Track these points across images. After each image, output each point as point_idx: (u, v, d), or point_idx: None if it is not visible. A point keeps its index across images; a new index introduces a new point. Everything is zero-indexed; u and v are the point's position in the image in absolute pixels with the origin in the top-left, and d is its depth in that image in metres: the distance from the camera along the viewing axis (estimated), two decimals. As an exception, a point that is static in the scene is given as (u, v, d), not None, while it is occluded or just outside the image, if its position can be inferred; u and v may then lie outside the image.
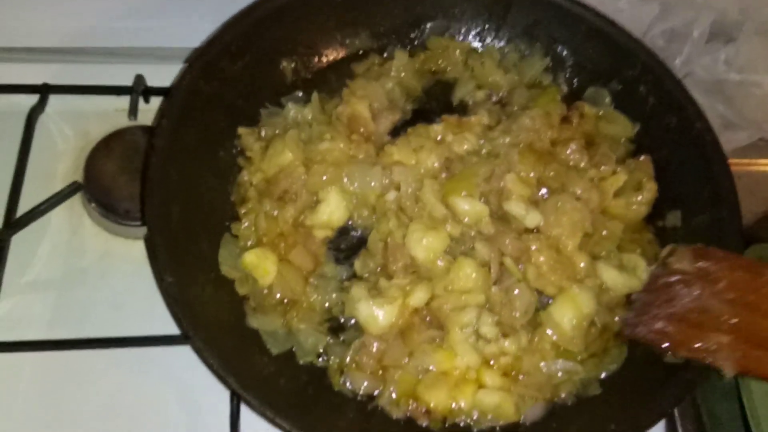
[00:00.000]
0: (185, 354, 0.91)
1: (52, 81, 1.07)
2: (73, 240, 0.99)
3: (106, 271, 0.97)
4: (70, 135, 1.06)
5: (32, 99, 1.06)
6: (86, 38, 1.12)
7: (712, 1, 1.16)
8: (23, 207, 0.97)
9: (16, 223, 0.93)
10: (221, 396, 0.88)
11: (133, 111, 1.01)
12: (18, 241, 0.96)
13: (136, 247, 0.99)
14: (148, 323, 0.93)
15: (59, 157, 1.04)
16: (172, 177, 0.85)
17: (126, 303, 0.95)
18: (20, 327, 0.92)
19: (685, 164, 0.96)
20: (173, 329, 0.91)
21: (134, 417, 0.89)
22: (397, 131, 1.00)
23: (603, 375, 0.88)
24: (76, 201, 1.00)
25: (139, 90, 1.04)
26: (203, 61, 0.91)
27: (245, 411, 0.86)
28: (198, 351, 0.76)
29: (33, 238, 0.98)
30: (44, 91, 1.05)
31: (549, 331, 0.88)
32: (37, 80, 1.06)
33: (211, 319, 0.81)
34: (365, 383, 0.86)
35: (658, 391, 0.82)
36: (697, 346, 0.79)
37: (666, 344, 0.81)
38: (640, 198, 0.96)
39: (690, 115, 0.96)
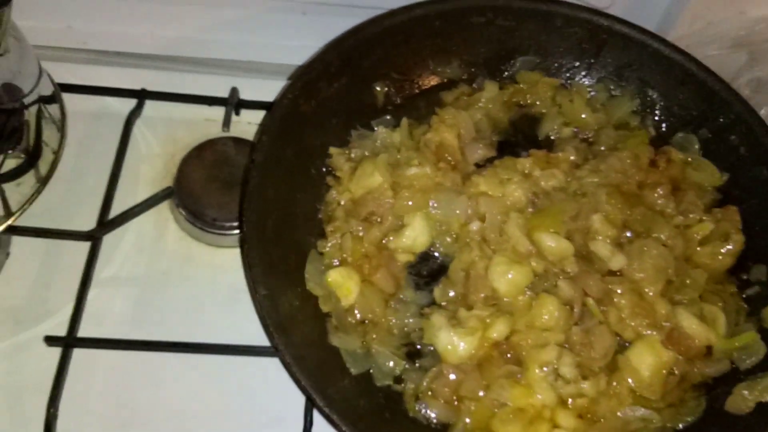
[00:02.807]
0: (259, 363, 0.92)
1: (147, 87, 1.10)
2: (158, 243, 1.01)
3: (187, 276, 0.99)
4: (158, 141, 1.09)
5: (125, 103, 1.09)
6: (183, 47, 1.15)
7: (803, 53, 1.15)
8: (113, 207, 1.00)
9: (110, 223, 0.96)
10: (295, 409, 0.89)
11: (226, 122, 1.03)
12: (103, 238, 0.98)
13: (218, 254, 1.01)
14: (223, 329, 0.95)
15: (148, 161, 1.07)
16: (268, 191, 0.87)
17: (203, 308, 0.97)
18: (100, 323, 0.94)
19: (774, 217, 0.95)
20: (250, 338, 0.93)
21: (205, 423, 0.90)
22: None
23: (680, 426, 0.87)
24: (163, 205, 1.03)
25: (234, 102, 1.06)
26: (304, 81, 0.93)
27: (317, 425, 0.87)
28: (288, 367, 0.77)
29: (117, 236, 1.00)
30: (142, 96, 1.08)
31: (627, 377, 0.87)
32: (133, 85, 1.10)
33: (297, 333, 0.82)
34: (440, 412, 0.86)
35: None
36: None
37: None
38: (725, 249, 0.95)
39: (783, 170, 0.95)
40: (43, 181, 0.94)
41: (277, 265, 0.86)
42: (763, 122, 0.99)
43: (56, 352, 0.89)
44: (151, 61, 1.15)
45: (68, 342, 0.88)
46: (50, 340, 0.89)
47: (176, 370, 0.92)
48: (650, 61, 1.03)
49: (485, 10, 1.03)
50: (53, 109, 0.99)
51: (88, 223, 0.98)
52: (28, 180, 0.93)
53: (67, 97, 1.04)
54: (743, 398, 0.85)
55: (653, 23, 1.13)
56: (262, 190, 0.87)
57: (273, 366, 0.91)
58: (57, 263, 0.96)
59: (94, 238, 0.95)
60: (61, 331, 0.90)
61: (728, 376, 0.88)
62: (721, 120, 1.00)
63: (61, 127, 0.98)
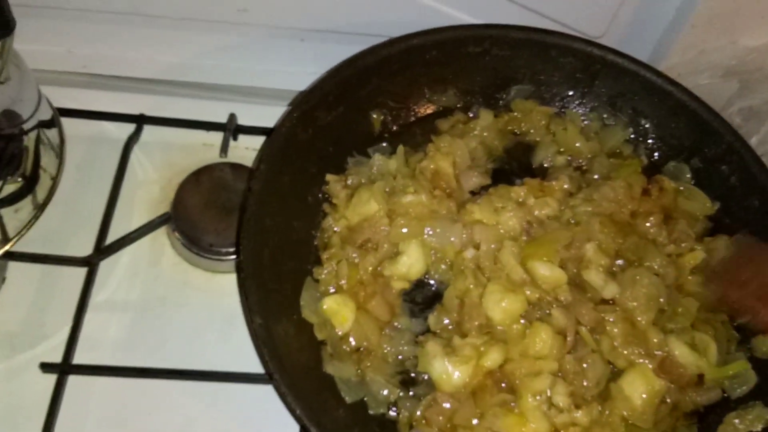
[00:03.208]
0: (255, 391, 0.93)
1: (146, 112, 1.11)
2: (154, 268, 1.02)
3: (183, 302, 1.00)
4: (155, 166, 1.10)
5: (123, 127, 1.10)
6: (182, 72, 1.16)
7: (793, 82, 1.17)
8: (110, 232, 1.00)
9: (107, 249, 0.97)
10: (289, 437, 0.89)
11: (224, 148, 1.04)
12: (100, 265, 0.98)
13: (215, 280, 1.02)
14: (219, 356, 0.95)
15: (146, 186, 1.08)
16: (266, 220, 0.88)
17: (199, 334, 0.97)
18: (95, 348, 0.94)
19: (765, 248, 0.96)
20: (247, 366, 0.93)
21: (201, 450, 0.90)
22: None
23: (671, 455, 0.87)
24: (160, 230, 1.03)
25: (232, 128, 1.07)
26: (302, 109, 0.94)
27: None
28: (282, 395, 0.77)
29: (113, 261, 1.00)
30: (141, 121, 1.09)
31: (619, 405, 0.88)
32: (132, 110, 1.11)
33: (292, 361, 0.83)
34: (434, 440, 0.86)
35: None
36: None
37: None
38: (717, 278, 0.96)
39: (773, 199, 0.96)
40: (41, 207, 0.94)
41: (273, 293, 0.86)
42: (753, 152, 1.00)
43: (52, 378, 0.89)
44: (150, 85, 1.16)
45: (63, 369, 0.89)
46: (45, 367, 0.89)
47: (172, 397, 0.92)
48: (643, 91, 1.05)
49: (481, 40, 1.04)
50: (52, 134, 0.99)
51: (85, 248, 0.98)
52: (26, 206, 0.93)
53: (66, 122, 1.05)
54: (734, 427, 0.86)
55: (646, 52, 1.14)
56: (260, 218, 0.87)
57: (269, 394, 0.90)
58: (53, 288, 0.97)
59: (90, 263, 0.96)
60: (57, 357, 0.90)
61: (720, 405, 0.89)
62: (713, 150, 1.02)
63: (60, 153, 0.99)
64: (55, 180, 0.97)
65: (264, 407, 0.91)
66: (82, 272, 0.96)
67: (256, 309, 0.81)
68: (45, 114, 0.98)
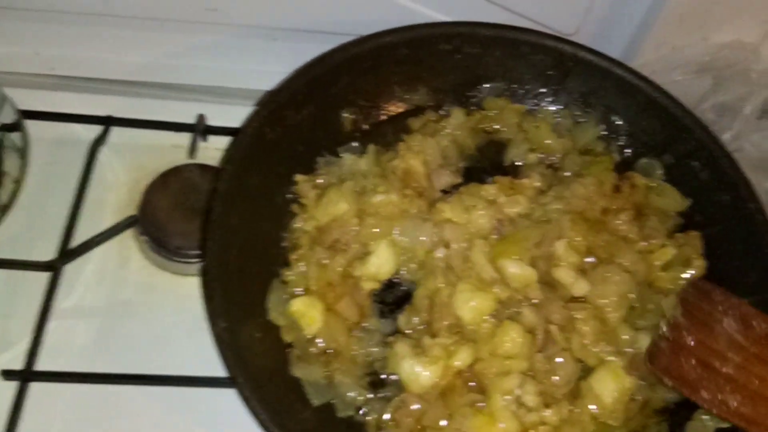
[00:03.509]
0: (226, 396, 0.91)
1: (113, 113, 1.09)
2: (121, 271, 1.00)
3: (151, 305, 0.98)
4: (124, 167, 1.08)
5: (91, 129, 1.08)
6: (151, 73, 1.15)
7: (766, 78, 1.17)
8: (76, 236, 0.99)
9: (71, 252, 0.95)
10: (258, 441, 0.88)
11: (192, 149, 1.03)
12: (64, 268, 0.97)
13: (183, 283, 1.00)
14: (189, 361, 0.94)
15: (112, 189, 1.06)
16: (232, 221, 0.87)
17: (168, 339, 0.96)
18: (61, 354, 0.93)
19: (735, 244, 0.96)
20: (215, 370, 0.91)
21: (168, 456, 0.89)
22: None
23: (643, 453, 0.87)
24: (127, 233, 1.02)
25: (200, 129, 1.06)
26: (270, 109, 0.93)
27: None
28: (246, 400, 0.76)
29: (79, 265, 0.99)
30: (108, 123, 1.07)
31: (589, 403, 0.87)
32: (99, 111, 1.09)
33: (258, 365, 0.82)
34: (403, 442, 0.85)
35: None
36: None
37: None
38: (687, 274, 0.96)
39: (743, 195, 0.95)
40: (3, 210, 0.93)
41: (239, 296, 0.85)
42: (724, 148, 1.00)
43: (12, 384, 0.87)
44: (117, 86, 1.15)
45: (25, 376, 0.87)
46: (6, 374, 0.87)
47: (138, 403, 0.91)
48: (614, 88, 1.04)
49: (452, 38, 1.03)
50: (15, 136, 0.98)
51: (50, 253, 0.97)
52: (-12, 209, 0.92)
53: (33, 124, 1.04)
54: (703, 424, 0.86)
55: (619, 49, 1.14)
56: (226, 219, 0.86)
57: (235, 398, 0.89)
58: (16, 294, 0.95)
59: (54, 268, 0.94)
60: (19, 363, 0.89)
61: (689, 402, 0.88)
62: (684, 146, 1.02)
63: (24, 156, 0.98)
64: (18, 183, 0.96)
65: (231, 411, 0.89)
66: (46, 277, 0.95)
67: (219, 312, 0.80)
68: (8, 117, 0.97)
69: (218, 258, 0.84)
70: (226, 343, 0.79)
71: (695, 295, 0.88)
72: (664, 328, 0.87)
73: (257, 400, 0.76)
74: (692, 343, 0.83)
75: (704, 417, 0.86)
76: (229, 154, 0.91)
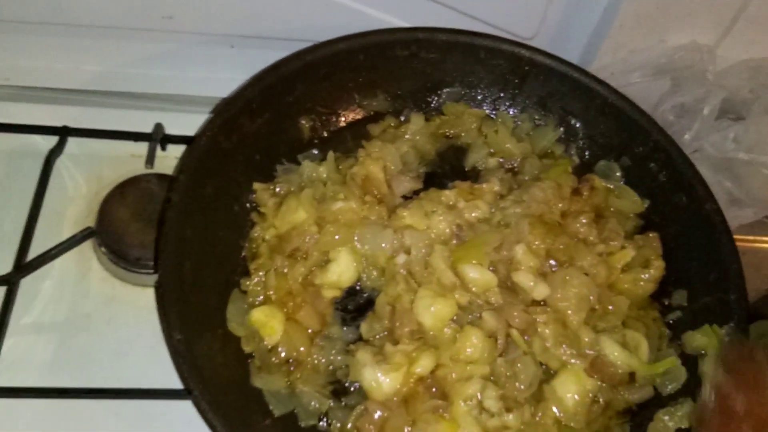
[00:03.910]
0: (186, 407, 0.90)
1: (70, 124, 1.08)
2: (80, 284, 0.99)
3: (111, 318, 0.97)
4: (83, 178, 1.07)
5: (49, 140, 1.07)
6: (107, 82, 1.14)
7: (724, 80, 1.19)
8: (33, 249, 0.97)
9: (27, 266, 0.94)
10: (219, 454, 0.87)
11: (150, 159, 1.02)
12: (22, 282, 0.95)
13: (143, 294, 0.99)
14: (150, 373, 0.93)
15: (71, 200, 1.05)
16: (186, 232, 0.86)
17: (129, 351, 0.95)
18: (20, 370, 0.91)
19: (693, 244, 0.97)
20: (176, 382, 0.90)
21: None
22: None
23: (604, 454, 0.87)
24: (86, 245, 1.01)
25: (158, 138, 1.05)
26: (224, 117, 0.92)
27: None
28: (202, 412, 0.75)
29: (38, 279, 0.97)
30: (64, 133, 1.06)
31: (552, 407, 0.88)
32: (56, 122, 1.08)
33: (216, 377, 0.81)
34: (366, 450, 0.85)
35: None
36: None
37: None
38: (647, 275, 0.97)
39: (700, 196, 0.97)
40: (-45, 225, 0.91)
41: (196, 307, 0.84)
42: (681, 151, 1.01)
43: (-30, 403, 0.86)
44: (74, 96, 1.13)
45: (-19, 393, 0.86)
46: (-39, 393, 0.86)
47: (98, 417, 0.90)
48: (571, 91, 1.05)
49: (409, 44, 1.03)
50: (-32, 149, 0.96)
51: (5, 266, 0.95)
52: (-61, 224, 0.90)
53: (-13, 136, 1.02)
54: (664, 424, 0.87)
55: (577, 53, 1.15)
56: (180, 230, 0.85)
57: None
58: (-30, 311, 0.93)
59: (10, 282, 0.92)
60: (-23, 382, 0.87)
61: (651, 402, 0.90)
62: (641, 148, 1.03)
63: (-23, 168, 0.96)
64: (-29, 196, 0.94)
65: (193, 423, 0.89)
66: (1, 291, 0.93)
67: (175, 325, 0.79)
68: (-40, 129, 0.95)
69: (173, 270, 0.83)
70: (182, 355, 0.78)
71: (736, 355, 0.83)
72: (708, 392, 0.82)
73: (214, 412, 0.75)
74: (742, 409, 0.77)
75: (665, 417, 0.87)
76: (183, 164, 0.91)
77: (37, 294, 0.97)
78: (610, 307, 0.94)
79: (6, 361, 0.91)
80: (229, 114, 0.93)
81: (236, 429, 0.76)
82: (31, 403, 0.89)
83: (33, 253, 0.97)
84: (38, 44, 1.11)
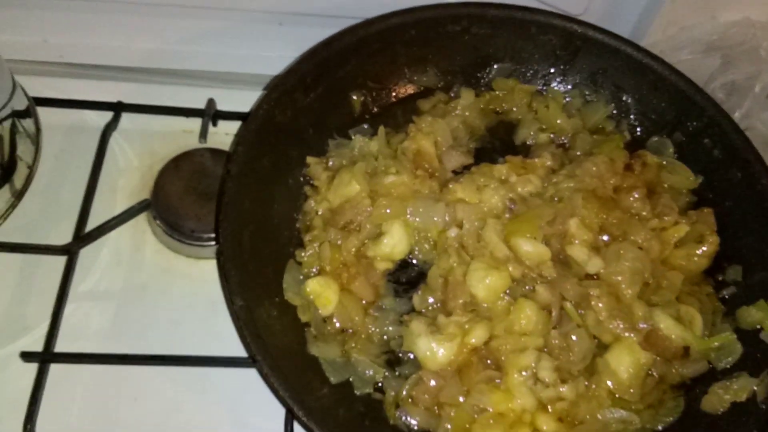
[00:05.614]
0: (240, 375, 0.92)
1: (124, 99, 1.10)
2: (136, 255, 1.01)
3: (165, 288, 0.99)
4: (136, 153, 1.09)
5: (103, 116, 1.09)
6: (159, 59, 1.15)
7: (776, 57, 1.17)
8: (90, 221, 0.99)
9: (86, 236, 0.96)
10: (274, 420, 0.88)
11: (203, 134, 1.03)
12: (81, 252, 0.97)
13: (197, 266, 1.01)
14: (203, 342, 0.94)
15: (125, 173, 1.07)
16: (245, 203, 0.87)
17: (183, 320, 0.97)
18: (80, 336, 0.93)
19: (748, 220, 0.96)
20: (229, 350, 0.92)
21: (187, 436, 0.90)
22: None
23: (659, 427, 0.87)
24: (141, 217, 1.02)
25: (211, 113, 1.06)
26: (279, 92, 0.93)
27: (298, 437, 0.87)
28: (265, 377, 0.77)
29: (95, 250, 0.99)
30: (118, 109, 1.08)
31: (606, 380, 0.88)
32: (110, 98, 1.10)
33: (276, 344, 0.82)
34: (420, 419, 0.86)
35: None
36: None
37: None
38: (701, 250, 0.96)
39: (756, 172, 0.95)
40: (18, 196, 0.93)
41: (255, 276, 0.85)
42: (735, 125, 1.00)
43: (33, 368, 0.88)
44: (127, 73, 1.15)
45: (44, 357, 0.88)
46: (26, 356, 0.88)
47: (155, 383, 0.91)
48: (624, 67, 1.05)
49: (460, 19, 1.03)
50: (28, 123, 0.98)
51: (65, 237, 0.97)
52: (3, 195, 0.92)
53: (43, 111, 1.04)
54: (719, 398, 0.86)
55: (627, 29, 1.14)
56: (238, 201, 0.86)
57: (253, 377, 0.90)
58: (33, 278, 0.96)
59: (70, 252, 0.94)
60: (38, 347, 0.89)
61: (706, 377, 0.89)
62: (695, 123, 1.02)
63: (36, 141, 0.98)
64: (32, 168, 0.96)
65: (249, 390, 0.91)
66: (62, 261, 0.95)
67: (236, 291, 0.80)
68: (20, 104, 0.97)
69: (232, 239, 0.84)
70: (244, 321, 0.79)
71: None
72: None
73: (277, 377, 0.77)
74: None
75: (720, 391, 0.86)
76: (240, 137, 0.92)
77: (94, 264, 0.99)
78: (664, 282, 0.94)
79: (64, 327, 0.93)
80: (284, 88, 0.94)
81: (299, 395, 0.77)
82: (90, 368, 0.91)
83: (90, 224, 0.99)
84: (91, 22, 1.14)
